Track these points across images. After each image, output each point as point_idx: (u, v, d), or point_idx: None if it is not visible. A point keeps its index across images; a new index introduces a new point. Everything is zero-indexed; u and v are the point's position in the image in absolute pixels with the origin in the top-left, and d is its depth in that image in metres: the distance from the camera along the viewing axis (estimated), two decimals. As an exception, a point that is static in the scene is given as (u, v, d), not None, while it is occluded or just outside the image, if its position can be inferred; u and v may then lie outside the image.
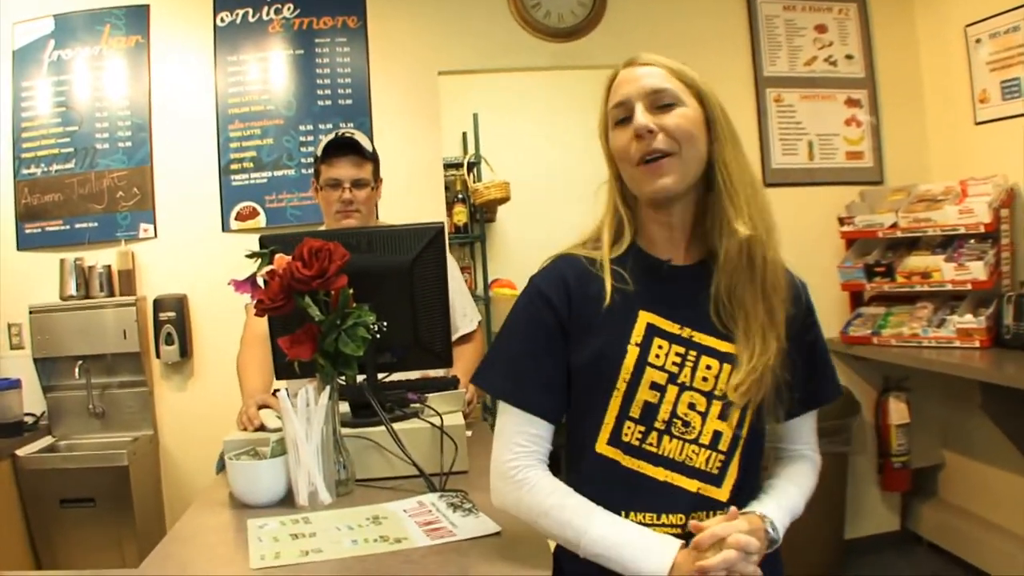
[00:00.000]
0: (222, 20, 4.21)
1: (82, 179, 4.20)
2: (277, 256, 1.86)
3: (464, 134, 5.69)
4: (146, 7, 4.23)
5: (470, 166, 5.52)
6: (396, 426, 2.02)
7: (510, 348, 1.53)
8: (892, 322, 3.99)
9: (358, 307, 1.87)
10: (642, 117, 1.42)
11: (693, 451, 1.43)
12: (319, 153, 2.83)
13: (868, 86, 4.43)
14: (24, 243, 4.20)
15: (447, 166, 5.41)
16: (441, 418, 2.04)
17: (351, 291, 1.87)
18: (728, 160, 1.45)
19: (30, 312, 4.03)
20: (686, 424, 1.43)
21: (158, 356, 4.12)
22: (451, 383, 2.40)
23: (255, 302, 1.88)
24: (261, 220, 4.18)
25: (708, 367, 1.44)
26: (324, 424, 1.85)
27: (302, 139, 4.13)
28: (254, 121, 4.20)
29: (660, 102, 1.43)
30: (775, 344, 1.41)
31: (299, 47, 4.20)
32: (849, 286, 4.18)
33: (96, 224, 4.20)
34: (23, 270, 4.19)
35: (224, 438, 2.15)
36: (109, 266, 4.12)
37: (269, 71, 4.22)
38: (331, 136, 2.89)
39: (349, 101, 4.19)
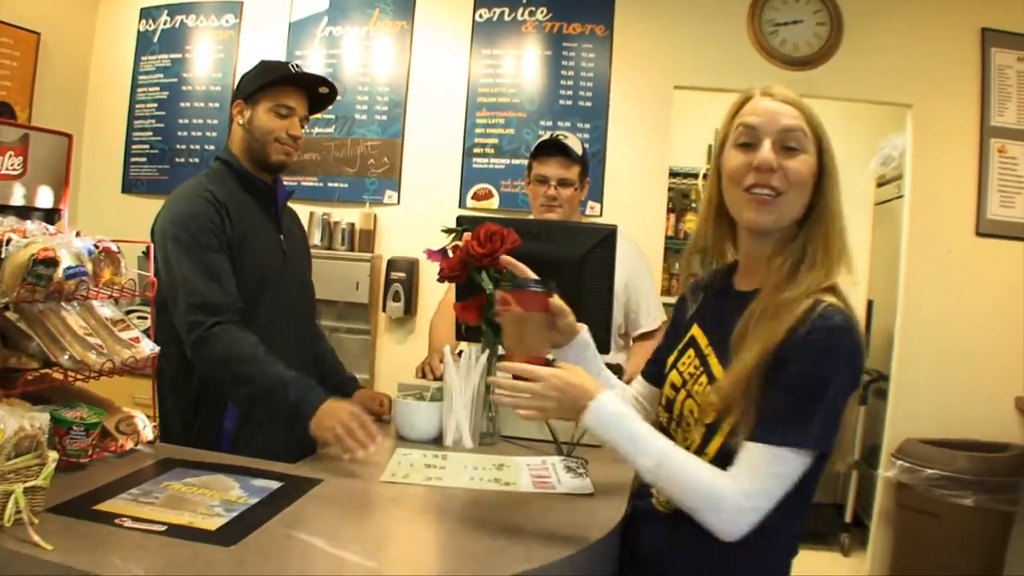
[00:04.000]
0: (480, 16, 4.64)
1: (339, 144, 4.75)
2: (465, 235, 2.18)
3: (709, 147, 5.87)
4: (414, -4, 4.72)
5: (706, 177, 5.72)
6: None
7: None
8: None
9: None
10: (768, 153, 1.49)
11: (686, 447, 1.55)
12: (533, 150, 3.13)
13: (1096, 146, 4.35)
14: (282, 194, 4.82)
15: (685, 175, 5.75)
16: None
17: None
18: (830, 214, 1.51)
19: (279, 255, 4.63)
20: (684, 424, 1.59)
21: (384, 310, 4.60)
22: (615, 369, 2.68)
23: (439, 269, 2.25)
24: (495, 202, 4.58)
25: (700, 383, 1.56)
26: (479, 382, 2.20)
27: (541, 133, 4.35)
28: (499, 111, 4.59)
29: (787, 143, 1.50)
30: (746, 384, 1.41)
31: (548, 48, 4.56)
32: None
33: (346, 185, 4.74)
34: (278, 217, 4.80)
35: (399, 381, 2.51)
36: (353, 224, 4.64)
37: (518, 67, 4.60)
38: (546, 136, 3.18)
39: (588, 104, 4.51)
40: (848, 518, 4.98)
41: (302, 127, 2.46)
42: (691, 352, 1.63)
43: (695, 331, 1.66)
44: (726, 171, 1.57)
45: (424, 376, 2.67)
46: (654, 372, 1.82)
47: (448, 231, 2.30)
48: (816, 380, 1.39)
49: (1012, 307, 4.24)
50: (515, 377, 1.54)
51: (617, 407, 1.50)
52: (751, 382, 1.41)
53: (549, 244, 2.38)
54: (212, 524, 1.47)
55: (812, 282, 1.47)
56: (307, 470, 1.90)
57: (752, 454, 1.40)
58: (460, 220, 2.35)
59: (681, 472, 1.43)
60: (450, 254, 2.24)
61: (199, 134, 4.93)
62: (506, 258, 1.69)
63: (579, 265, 2.36)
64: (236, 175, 2.41)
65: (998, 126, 4.36)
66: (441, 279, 2.26)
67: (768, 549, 1.50)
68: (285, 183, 2.57)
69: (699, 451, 1.51)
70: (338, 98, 2.65)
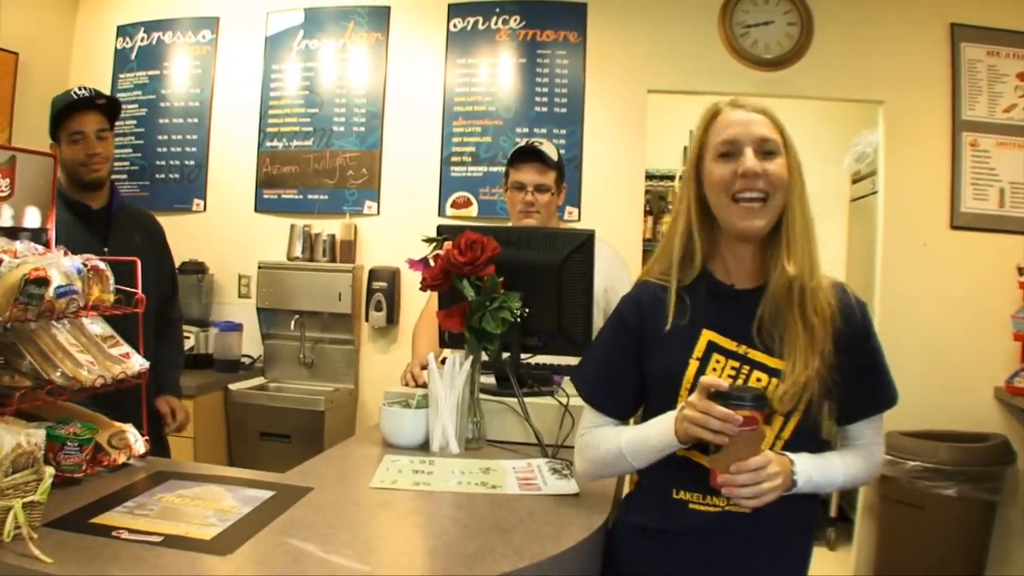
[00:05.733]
0: (455, 25, 4.71)
1: (317, 156, 4.80)
2: (446, 244, 2.26)
3: (684, 148, 5.90)
4: (387, 8, 4.79)
5: (682, 179, 5.76)
6: (529, 400, 2.34)
7: (593, 354, 1.90)
8: (1060, 378, 3.99)
9: (507, 293, 2.22)
10: (753, 160, 1.61)
11: None
12: (509, 157, 3.19)
13: (1068, 138, 4.42)
14: (261, 206, 4.88)
15: (661, 177, 5.85)
16: (568, 398, 2.30)
17: (501, 279, 2.24)
18: (795, 208, 1.65)
19: (259, 267, 4.67)
20: None
21: (367, 319, 4.65)
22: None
23: (421, 278, 2.31)
24: (474, 210, 4.64)
25: (758, 379, 1.63)
26: (463, 388, 2.24)
27: (517, 140, 4.39)
28: (476, 119, 4.66)
29: (765, 148, 1.63)
30: (817, 360, 1.59)
31: (522, 56, 4.63)
32: (1021, 336, 4.20)
33: (326, 197, 4.80)
34: (257, 230, 4.85)
35: (385, 389, 2.55)
36: (333, 235, 4.69)
37: (493, 75, 4.66)
38: (522, 143, 3.24)
39: (564, 109, 4.58)
40: (833, 512, 5.05)
41: (100, 138, 2.78)
42: (718, 357, 1.68)
43: (711, 336, 1.69)
44: (711, 182, 1.67)
45: (407, 384, 2.72)
46: (625, 402, 1.84)
47: (429, 240, 2.36)
48: (880, 348, 1.73)
49: (988, 298, 4.31)
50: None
51: (801, 458, 1.63)
52: (826, 364, 1.60)
53: (528, 251, 2.45)
54: (207, 534, 1.51)
55: (804, 265, 1.64)
56: (297, 478, 1.95)
57: (875, 422, 1.74)
58: (441, 229, 2.42)
59: (856, 471, 1.71)
60: (431, 263, 2.29)
61: (178, 150, 5.00)
62: (706, 379, 1.62)
63: (558, 271, 2.43)
64: (61, 199, 2.62)
65: (969, 120, 4.43)
66: (423, 288, 2.32)
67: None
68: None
69: (776, 438, 1.65)
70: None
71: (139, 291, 2.15)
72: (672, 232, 1.77)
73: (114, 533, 1.49)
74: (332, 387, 4.65)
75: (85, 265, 1.96)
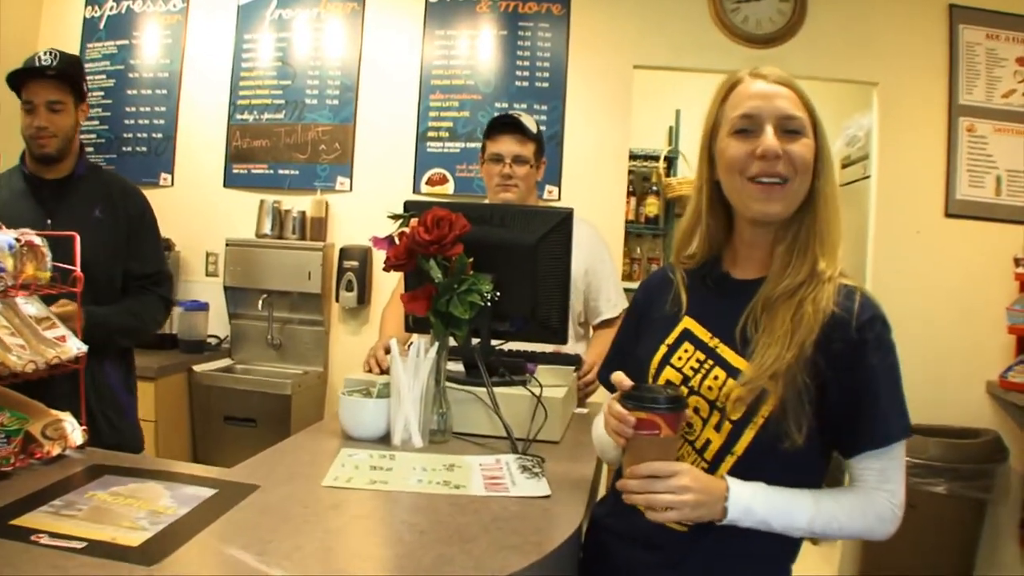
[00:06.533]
0: (434, -5, 4.56)
1: (289, 129, 4.67)
2: (413, 220, 2.11)
3: (671, 128, 5.86)
4: (364, -22, 4.63)
5: (667, 160, 5.74)
6: (500, 390, 2.18)
7: (613, 341, 1.83)
8: (1054, 374, 3.92)
9: (476, 275, 2.08)
10: (772, 139, 1.46)
11: (687, 451, 1.52)
12: (486, 129, 3.09)
13: (1067, 126, 4.36)
14: (230, 181, 4.75)
15: (646, 157, 5.71)
16: (541, 388, 2.19)
17: (471, 260, 2.10)
18: (820, 197, 1.51)
19: (227, 244, 4.54)
20: (689, 424, 1.51)
21: (337, 300, 4.54)
22: (573, 360, 2.61)
23: (385, 258, 2.17)
24: (450, 187, 4.53)
25: (715, 377, 1.49)
26: (428, 376, 2.10)
27: (496, 115, 4.34)
28: (454, 94, 4.54)
29: (788, 127, 1.48)
30: (785, 365, 1.41)
31: (503, 28, 4.51)
32: (1016, 330, 4.15)
33: (297, 172, 4.67)
34: (226, 206, 4.72)
35: (347, 376, 2.43)
36: (304, 212, 4.57)
37: (473, 48, 4.54)
38: (498, 115, 3.15)
39: (545, 84, 4.47)
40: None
41: (54, 111, 2.64)
42: (687, 346, 1.58)
43: (689, 324, 1.60)
44: (725, 160, 1.53)
45: (371, 370, 2.59)
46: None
47: (395, 217, 2.22)
48: (895, 369, 1.46)
49: (983, 289, 4.24)
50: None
51: (749, 486, 1.44)
52: (794, 373, 1.41)
53: (502, 229, 2.32)
54: (136, 539, 1.39)
55: (826, 267, 1.49)
56: (244, 474, 1.82)
57: (881, 460, 1.45)
58: (408, 205, 2.27)
59: (835, 516, 1.45)
60: (396, 241, 2.16)
61: (146, 122, 4.86)
62: (615, 375, 1.52)
63: (534, 251, 2.30)
64: (19, 168, 2.70)
65: (966, 104, 4.36)
66: (387, 268, 2.18)
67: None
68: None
69: (724, 450, 1.48)
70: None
71: (76, 268, 2.00)
72: (686, 213, 1.67)
73: (33, 537, 1.36)
74: (301, 370, 4.54)
75: (18, 240, 1.81)
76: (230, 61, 4.79)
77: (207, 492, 1.66)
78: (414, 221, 2.09)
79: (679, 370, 1.56)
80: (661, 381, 1.57)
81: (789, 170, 1.47)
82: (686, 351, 1.57)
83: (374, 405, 2.15)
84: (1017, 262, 4.24)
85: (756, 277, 1.56)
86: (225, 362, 4.60)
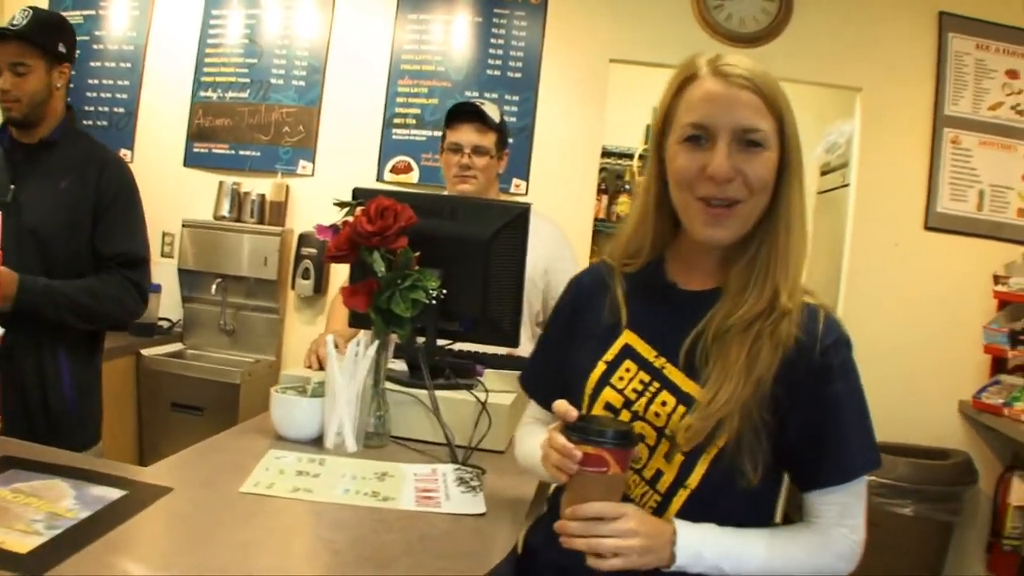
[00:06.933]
0: (409, -23, 4.45)
1: (253, 109, 4.54)
2: (359, 209, 2.00)
3: (647, 127, 5.68)
4: (339, -44, 4.51)
5: (642, 158, 5.63)
6: (442, 394, 2.08)
7: (540, 337, 1.68)
8: (1027, 397, 3.85)
9: (423, 270, 1.97)
10: (725, 162, 1.29)
11: (634, 480, 1.38)
12: (446, 116, 2.98)
13: (1054, 143, 4.29)
14: (191, 161, 4.61)
15: (620, 155, 5.61)
16: (487, 394, 2.09)
17: (417, 254, 1.98)
18: (781, 219, 1.35)
19: (183, 225, 4.41)
20: (640, 454, 1.38)
21: (293, 288, 4.43)
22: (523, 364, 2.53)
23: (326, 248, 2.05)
24: (414, 176, 4.42)
25: (663, 403, 1.36)
26: (366, 377, 1.98)
27: (457, 102, 4.21)
28: (423, 80, 4.43)
29: (748, 139, 1.30)
30: (747, 394, 1.29)
31: (478, 15, 4.40)
32: (991, 349, 4.06)
33: (259, 154, 4.54)
34: (185, 185, 4.58)
35: (283, 371, 2.33)
36: (263, 195, 4.45)
37: (446, 33, 4.43)
38: (459, 102, 3.04)
39: (518, 75, 4.36)
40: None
41: (18, 74, 2.47)
42: (630, 365, 1.42)
43: (631, 339, 1.44)
44: (672, 171, 1.37)
45: (310, 365, 2.48)
46: (556, 396, 1.41)
47: (341, 204, 2.10)
48: (861, 396, 1.35)
49: (960, 306, 4.17)
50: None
51: (699, 529, 1.31)
52: (751, 409, 1.30)
53: (454, 223, 2.20)
54: (26, 545, 1.28)
55: (788, 299, 1.33)
56: (160, 475, 1.70)
57: (843, 495, 1.35)
58: (357, 193, 2.18)
59: (791, 556, 1.33)
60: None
61: (109, 95, 4.72)
62: (557, 404, 1.34)
63: (486, 247, 2.18)
64: (4, 127, 2.55)
65: (952, 115, 4.28)
66: (327, 259, 2.07)
67: None
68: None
69: (677, 483, 1.35)
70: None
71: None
72: (631, 211, 1.51)
73: (-87, 541, 1.24)
74: (253, 358, 4.43)
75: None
76: (197, 36, 4.66)
77: (115, 494, 1.54)
78: (360, 210, 1.98)
79: (620, 392, 1.41)
80: (600, 403, 1.42)
81: (743, 192, 1.31)
82: (628, 370, 1.42)
83: (307, 404, 2.03)
84: (997, 280, 4.16)
85: (705, 289, 1.41)
86: (176, 347, 4.47)
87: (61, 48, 2.56)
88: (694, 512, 1.33)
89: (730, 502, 1.34)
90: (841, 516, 1.35)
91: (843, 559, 1.35)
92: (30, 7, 2.52)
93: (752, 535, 1.33)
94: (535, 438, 1.47)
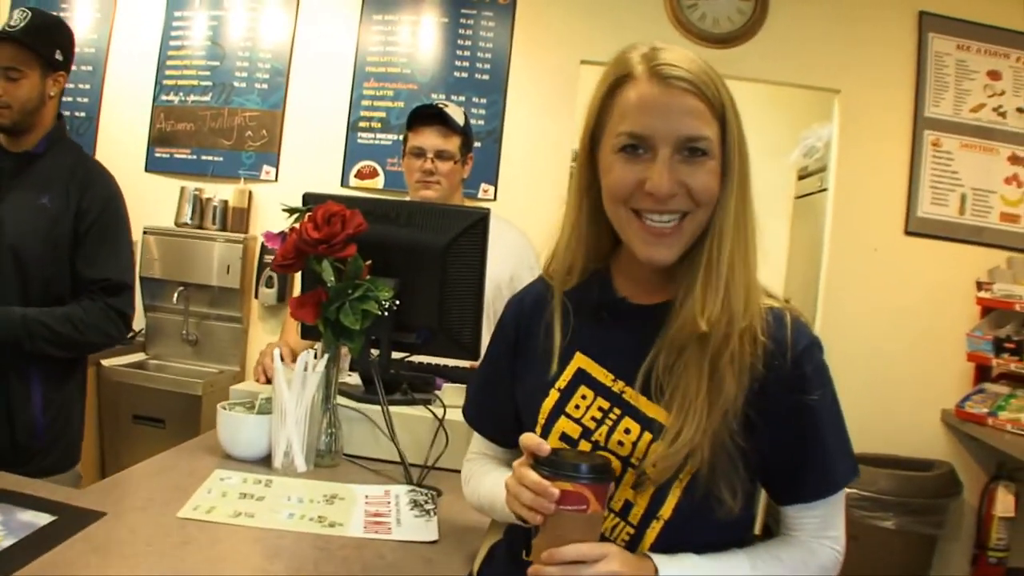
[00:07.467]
0: (374, -22, 4.39)
1: (215, 113, 4.46)
2: (306, 216, 1.90)
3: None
4: (301, -43, 4.45)
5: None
6: (398, 410, 2.02)
7: (481, 362, 1.55)
8: (1013, 405, 3.77)
9: (375, 280, 1.90)
10: (665, 178, 1.18)
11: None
12: (408, 119, 2.89)
13: (1037, 145, 4.26)
14: (152, 166, 4.53)
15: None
16: (445, 409, 2.02)
17: (369, 262, 1.91)
18: (725, 234, 1.23)
19: (144, 232, 4.31)
20: None
21: (256, 296, 4.36)
22: None
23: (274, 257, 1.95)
24: (380, 181, 4.35)
25: (627, 431, 1.26)
26: (316, 392, 1.90)
27: (419, 105, 4.14)
28: (389, 82, 4.36)
29: (691, 147, 1.19)
30: (717, 420, 1.20)
31: (445, 15, 4.34)
32: (975, 357, 4.03)
33: (221, 159, 4.46)
34: (146, 191, 4.47)
35: (232, 387, 2.25)
36: (226, 201, 4.37)
37: (413, 35, 4.37)
38: (421, 104, 2.96)
39: (486, 77, 4.31)
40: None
41: (10, 79, 2.34)
42: (585, 391, 1.31)
43: (583, 362, 1.32)
44: (606, 184, 1.25)
45: (259, 379, 2.37)
46: (505, 427, 1.43)
47: (290, 211, 2.00)
48: (836, 402, 1.28)
49: (941, 312, 4.14)
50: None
51: (678, 561, 1.22)
52: (722, 437, 1.20)
53: (408, 229, 2.11)
54: (-62, 577, 1.20)
55: (744, 314, 1.22)
56: (94, 498, 1.61)
57: (824, 507, 1.28)
58: (307, 198, 2.09)
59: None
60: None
61: (70, 99, 4.60)
62: (526, 438, 1.24)
63: (442, 255, 2.10)
64: None
65: (932, 117, 4.25)
66: (274, 268, 1.96)
67: None
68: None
69: (649, 515, 1.25)
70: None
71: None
72: (563, 224, 1.38)
73: None
74: (216, 368, 4.35)
75: None
76: (159, 38, 4.58)
77: (45, 519, 1.48)
78: (307, 216, 1.89)
79: (578, 421, 1.30)
80: (555, 433, 1.30)
81: (687, 203, 1.21)
82: (584, 397, 1.30)
83: (255, 422, 1.95)
84: (980, 286, 4.12)
85: (658, 302, 1.30)
86: (138, 357, 4.38)
87: (58, 55, 2.43)
88: (670, 542, 1.24)
89: (707, 530, 1.26)
90: (823, 528, 1.29)
91: (827, 570, 1.29)
92: (30, 8, 2.40)
93: (734, 560, 1.25)
94: (488, 476, 1.40)
